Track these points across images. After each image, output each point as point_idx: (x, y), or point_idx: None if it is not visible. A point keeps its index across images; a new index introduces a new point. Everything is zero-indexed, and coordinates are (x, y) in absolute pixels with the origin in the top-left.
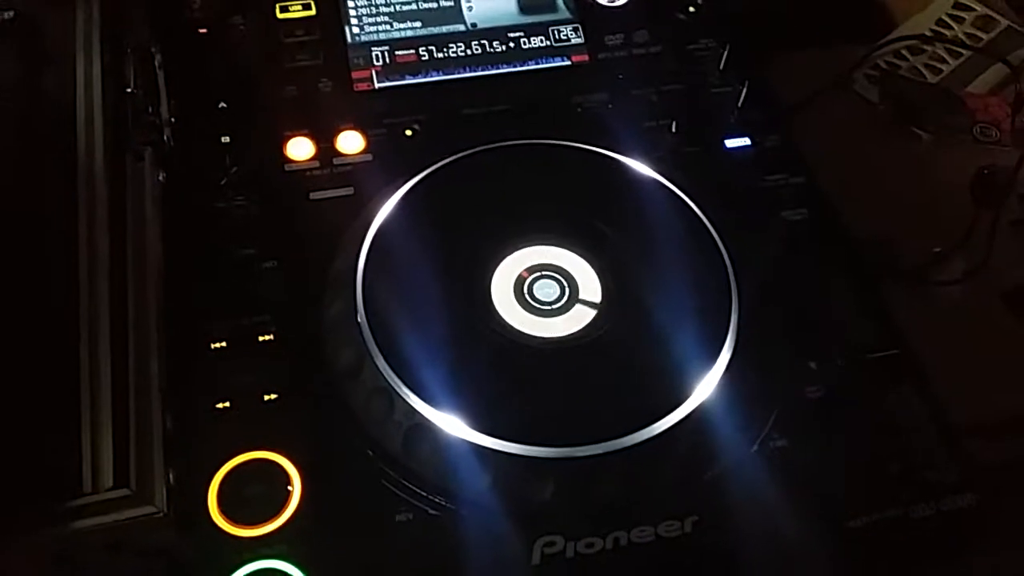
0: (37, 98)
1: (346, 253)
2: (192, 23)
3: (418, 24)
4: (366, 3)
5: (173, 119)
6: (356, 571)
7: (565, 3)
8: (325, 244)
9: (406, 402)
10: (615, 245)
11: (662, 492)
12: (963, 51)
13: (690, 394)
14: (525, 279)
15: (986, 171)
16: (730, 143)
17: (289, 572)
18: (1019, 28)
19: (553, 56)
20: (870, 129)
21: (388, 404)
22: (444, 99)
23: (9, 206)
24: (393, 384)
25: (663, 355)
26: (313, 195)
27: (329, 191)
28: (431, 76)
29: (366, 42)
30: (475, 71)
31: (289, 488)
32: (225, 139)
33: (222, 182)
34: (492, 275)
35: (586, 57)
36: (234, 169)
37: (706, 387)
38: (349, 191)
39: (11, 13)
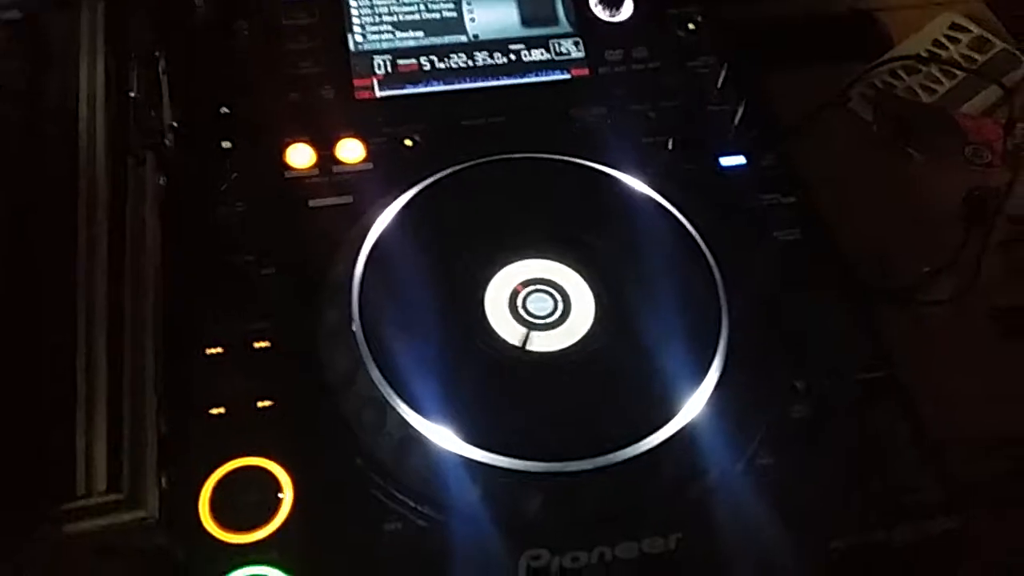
0: (40, 100)
1: (343, 262)
2: (195, 28)
3: (420, 34)
4: (369, 11)
5: (175, 123)
6: None
7: (567, 17)
8: (323, 252)
9: (398, 412)
10: (609, 261)
11: (648, 508)
12: (958, 72)
13: (678, 411)
14: (519, 293)
15: (976, 192)
16: (725, 161)
17: None
18: (1014, 50)
19: (553, 69)
20: (864, 148)
21: (380, 414)
22: (444, 109)
23: (9, 206)
24: (386, 394)
25: (653, 372)
26: (312, 202)
27: (328, 199)
28: (432, 86)
29: (368, 50)
30: (476, 82)
31: (280, 495)
32: (226, 145)
33: (222, 187)
34: (487, 288)
35: (586, 71)
36: (234, 175)
37: (694, 405)
38: (348, 199)
39: (16, 14)
